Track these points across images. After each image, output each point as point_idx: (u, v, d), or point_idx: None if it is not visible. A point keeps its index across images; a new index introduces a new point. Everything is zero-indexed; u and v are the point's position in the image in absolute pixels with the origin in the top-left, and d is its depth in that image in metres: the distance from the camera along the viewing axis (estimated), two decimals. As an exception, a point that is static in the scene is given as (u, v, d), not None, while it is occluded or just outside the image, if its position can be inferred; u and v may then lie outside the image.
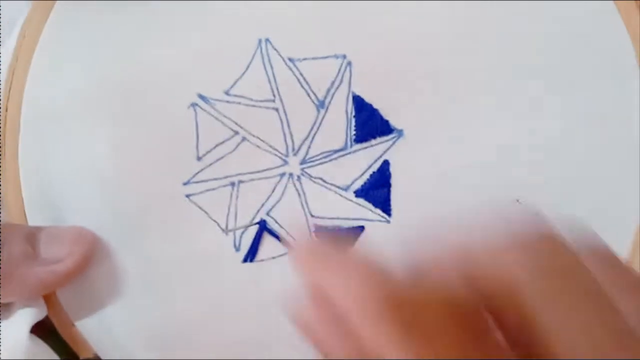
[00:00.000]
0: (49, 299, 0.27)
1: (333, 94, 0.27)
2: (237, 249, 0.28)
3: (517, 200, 0.27)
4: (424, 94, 0.27)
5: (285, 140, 0.27)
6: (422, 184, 0.27)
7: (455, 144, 0.27)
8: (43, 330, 0.28)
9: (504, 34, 0.27)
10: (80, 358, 0.28)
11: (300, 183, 0.28)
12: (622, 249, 0.28)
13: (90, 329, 0.28)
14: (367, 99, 0.27)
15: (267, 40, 0.27)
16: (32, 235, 0.25)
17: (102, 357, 0.28)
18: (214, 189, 0.27)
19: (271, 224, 0.28)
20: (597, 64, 0.27)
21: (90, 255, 0.26)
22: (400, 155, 0.27)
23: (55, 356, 0.28)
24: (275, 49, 0.27)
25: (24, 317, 0.25)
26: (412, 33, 0.27)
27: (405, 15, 0.27)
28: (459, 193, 0.27)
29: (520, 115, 0.27)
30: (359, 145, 0.27)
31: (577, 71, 0.27)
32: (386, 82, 0.27)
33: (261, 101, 0.27)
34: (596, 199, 0.28)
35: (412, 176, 0.27)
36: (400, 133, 0.27)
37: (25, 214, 0.27)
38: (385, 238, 0.28)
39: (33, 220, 0.27)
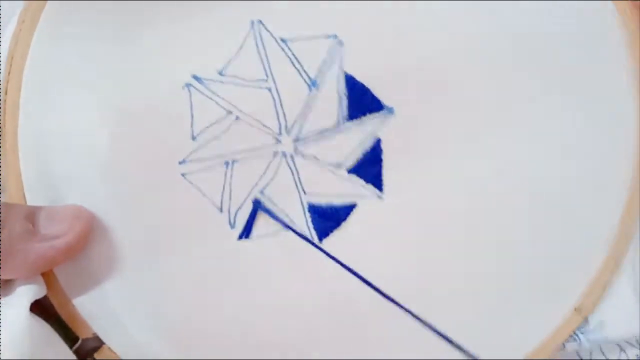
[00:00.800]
0: (48, 278, 0.28)
1: (325, 74, 0.28)
2: (232, 226, 0.28)
3: (510, 177, 0.28)
4: (414, 74, 0.28)
5: (278, 119, 0.28)
6: (413, 160, 0.28)
7: (444, 121, 0.28)
8: (43, 311, 0.28)
9: (502, 26, 0.28)
10: (81, 338, 0.29)
11: (294, 161, 0.28)
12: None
13: (89, 308, 0.28)
14: (359, 78, 0.28)
15: (259, 21, 0.27)
16: (31, 214, 0.26)
17: (101, 336, 0.28)
18: (208, 168, 0.28)
19: (265, 202, 0.28)
20: (599, 68, 0.28)
21: (88, 231, 0.27)
22: (392, 133, 0.28)
23: (57, 336, 0.28)
24: (268, 30, 0.27)
25: (24, 294, 0.26)
26: (404, 14, 0.28)
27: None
28: (447, 166, 0.28)
29: (513, 98, 0.28)
30: (350, 123, 0.28)
31: (574, 73, 0.28)
32: (377, 61, 0.28)
33: (254, 81, 0.27)
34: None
35: (402, 152, 0.28)
36: (390, 110, 0.28)
37: (24, 195, 0.27)
38: (378, 213, 0.28)
39: (32, 201, 0.27)
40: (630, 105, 0.28)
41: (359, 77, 0.28)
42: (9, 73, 0.27)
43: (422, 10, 0.28)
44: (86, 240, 0.27)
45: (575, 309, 0.29)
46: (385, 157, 0.28)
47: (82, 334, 0.28)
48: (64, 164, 0.27)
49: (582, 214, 0.28)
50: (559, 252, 0.28)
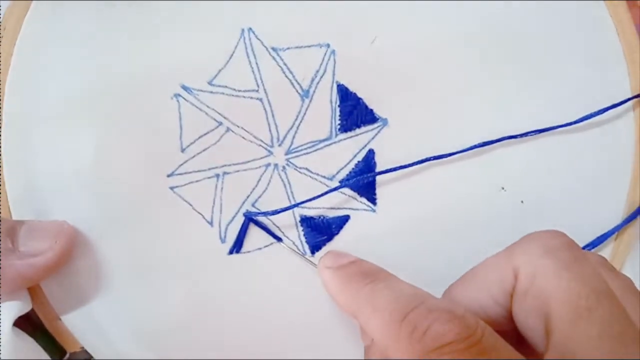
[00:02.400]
0: (35, 292, 0.27)
1: (317, 84, 0.27)
2: (223, 241, 0.27)
3: (503, 189, 0.27)
4: (408, 83, 0.27)
5: (270, 131, 0.27)
6: (407, 173, 0.27)
7: (439, 133, 0.27)
8: (30, 325, 0.28)
9: (490, 27, 0.27)
10: (68, 352, 0.28)
11: (286, 173, 0.27)
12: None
13: (76, 322, 0.27)
14: (352, 88, 0.27)
15: (250, 29, 0.26)
16: (12, 229, 0.25)
17: (88, 350, 0.28)
18: (198, 181, 0.27)
19: (257, 215, 0.27)
20: (586, 63, 0.28)
21: (70, 249, 0.26)
22: (385, 145, 0.27)
23: (43, 353, 0.28)
24: (258, 39, 0.26)
25: (7, 310, 0.25)
26: (397, 23, 0.27)
27: (389, 5, 0.26)
28: (444, 182, 0.28)
29: (504, 107, 0.27)
30: (343, 135, 0.27)
31: (564, 66, 0.28)
32: (370, 71, 0.27)
33: (245, 91, 0.27)
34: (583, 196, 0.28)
35: (396, 164, 0.27)
36: (384, 122, 0.27)
37: (9, 208, 0.27)
38: (371, 227, 0.28)
39: (17, 214, 0.27)
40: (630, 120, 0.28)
41: (352, 88, 0.27)
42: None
43: (419, 20, 0.27)
44: (67, 258, 0.26)
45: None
46: (379, 169, 0.27)
47: (70, 348, 0.28)
48: (50, 177, 0.26)
49: (581, 222, 0.28)
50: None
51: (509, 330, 0.21)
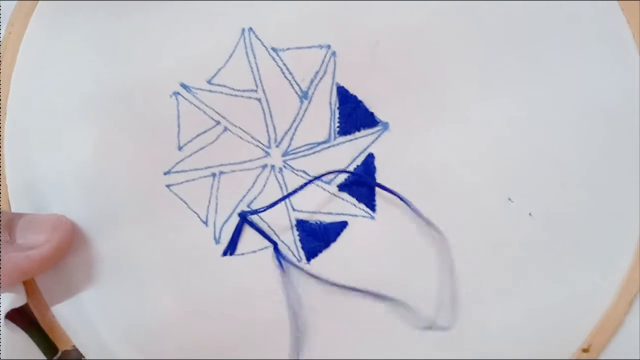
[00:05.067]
0: (30, 287, 0.27)
1: (317, 85, 0.26)
2: (217, 242, 0.27)
3: (509, 199, 0.26)
4: (410, 86, 0.26)
5: (268, 132, 0.27)
6: (407, 179, 0.26)
7: (441, 137, 0.26)
8: (24, 321, 0.28)
9: (494, 27, 0.26)
10: (60, 350, 0.28)
11: (282, 175, 0.27)
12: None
13: (68, 319, 0.27)
14: (352, 90, 0.26)
15: (250, 29, 0.26)
16: (9, 222, 0.25)
17: (80, 349, 0.28)
18: (194, 180, 0.27)
19: (252, 217, 0.27)
20: (598, 61, 0.26)
21: (68, 243, 0.26)
22: (386, 149, 0.27)
23: (36, 349, 0.28)
24: (258, 39, 0.26)
25: (1, 302, 0.25)
26: (398, 24, 0.26)
27: (391, 5, 0.26)
28: (445, 189, 0.26)
29: (509, 110, 0.26)
30: (343, 138, 0.27)
31: (574, 67, 0.26)
32: (371, 73, 0.26)
33: (243, 91, 0.26)
34: (593, 195, 0.26)
35: (397, 170, 0.26)
36: (385, 126, 0.27)
37: (8, 202, 0.27)
38: (369, 234, 0.27)
39: (17, 208, 0.27)
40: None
41: (353, 90, 0.26)
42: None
43: (420, 21, 0.26)
44: (64, 252, 0.26)
45: (583, 350, 0.26)
46: (379, 174, 0.27)
47: (62, 346, 0.28)
48: (49, 171, 0.27)
49: (593, 249, 0.26)
50: (567, 289, 0.26)
51: None
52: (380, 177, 0.27)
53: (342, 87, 0.26)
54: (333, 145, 0.27)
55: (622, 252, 0.26)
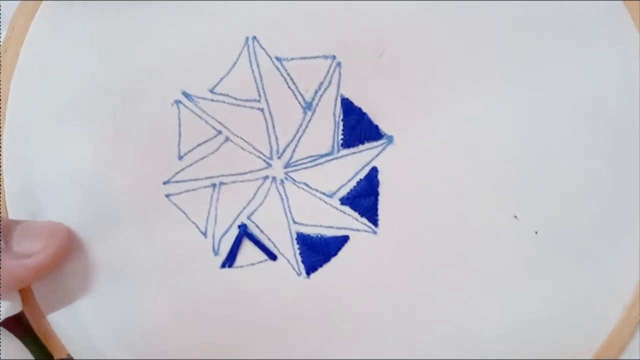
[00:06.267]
0: (26, 295, 0.27)
1: (321, 96, 0.26)
2: (216, 253, 0.27)
3: (515, 217, 0.26)
4: (415, 99, 0.26)
5: (270, 142, 0.26)
6: (412, 194, 0.26)
7: (447, 151, 0.26)
8: (20, 328, 0.28)
9: (501, 37, 0.25)
10: (55, 358, 0.28)
11: (284, 187, 0.26)
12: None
13: (64, 328, 0.27)
14: (357, 102, 0.26)
15: (254, 38, 0.26)
16: (6, 229, 0.25)
17: (75, 357, 0.27)
18: (194, 190, 0.26)
19: (252, 229, 0.26)
20: (600, 60, 0.25)
21: (64, 251, 0.26)
22: (390, 163, 0.26)
23: (27, 353, 0.27)
24: (262, 48, 0.26)
25: (-5, 310, 0.25)
26: (404, 35, 0.25)
27: (397, 17, 0.25)
28: (450, 203, 0.26)
29: (516, 122, 0.25)
30: (346, 151, 0.26)
31: (577, 69, 0.25)
32: (377, 85, 0.26)
33: (246, 100, 0.26)
34: (597, 204, 0.26)
35: (401, 185, 0.26)
36: (390, 139, 0.26)
37: (6, 208, 0.27)
38: (371, 250, 0.26)
39: (14, 214, 0.27)
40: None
41: (357, 102, 0.26)
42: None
43: (428, 32, 0.25)
44: (61, 260, 0.26)
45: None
46: (382, 189, 0.26)
47: (57, 354, 0.28)
48: (47, 178, 0.26)
49: (599, 266, 0.26)
50: (574, 307, 0.26)
51: None
52: (383, 191, 0.26)
53: (347, 99, 0.26)
54: (336, 158, 0.26)
55: (625, 258, 0.26)
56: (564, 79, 0.25)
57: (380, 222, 0.26)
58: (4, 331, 0.26)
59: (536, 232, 0.26)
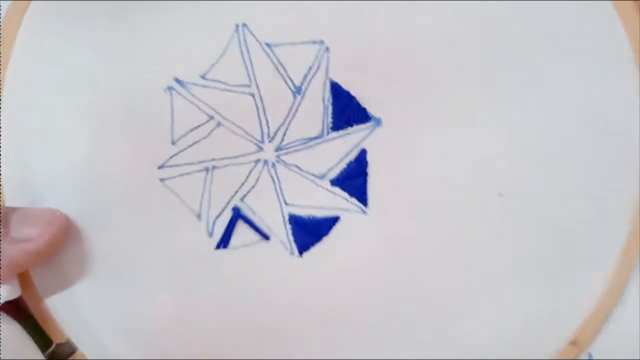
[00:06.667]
0: (24, 280, 0.27)
1: (310, 80, 0.27)
2: (211, 235, 0.27)
3: (500, 194, 0.26)
4: (403, 82, 0.26)
5: (261, 126, 0.27)
6: (399, 174, 0.27)
7: (434, 136, 0.27)
8: (18, 313, 0.28)
9: (491, 27, 0.26)
10: (54, 343, 0.28)
11: (275, 170, 0.27)
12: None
13: (63, 312, 0.28)
14: (345, 86, 0.27)
15: (244, 25, 0.26)
16: (4, 215, 0.25)
17: (74, 342, 0.28)
18: (188, 174, 0.27)
19: (245, 211, 0.27)
20: (593, 63, 0.26)
21: (62, 236, 0.26)
22: (378, 144, 0.27)
23: (27, 337, 0.28)
24: (252, 34, 0.26)
25: (-7, 294, 0.25)
26: (393, 20, 0.26)
27: (386, 4, 0.26)
28: (437, 184, 0.27)
29: (503, 113, 0.26)
30: (335, 133, 0.27)
31: (570, 68, 0.26)
32: (364, 69, 0.26)
33: (237, 86, 0.27)
34: (584, 198, 0.27)
35: (389, 166, 0.27)
36: (378, 121, 0.27)
37: (4, 196, 0.27)
38: (361, 228, 0.27)
39: (11, 202, 0.27)
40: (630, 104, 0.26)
41: (346, 85, 0.27)
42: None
43: (415, 18, 0.26)
44: (59, 245, 0.26)
45: (571, 342, 0.27)
46: (371, 170, 0.27)
47: (56, 339, 0.28)
48: (44, 166, 0.27)
49: (581, 242, 0.27)
50: (554, 281, 0.27)
51: None
52: (372, 173, 0.27)
53: (336, 83, 0.26)
54: (326, 141, 0.27)
55: (610, 249, 0.27)
56: (562, 80, 0.26)
57: (369, 202, 0.27)
58: (3, 316, 0.27)
59: (522, 216, 0.26)
